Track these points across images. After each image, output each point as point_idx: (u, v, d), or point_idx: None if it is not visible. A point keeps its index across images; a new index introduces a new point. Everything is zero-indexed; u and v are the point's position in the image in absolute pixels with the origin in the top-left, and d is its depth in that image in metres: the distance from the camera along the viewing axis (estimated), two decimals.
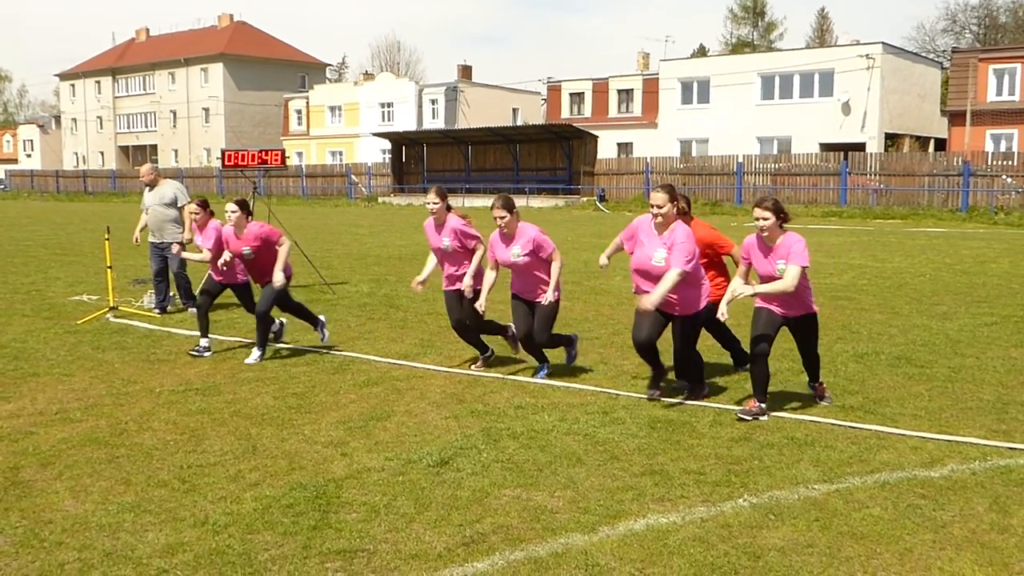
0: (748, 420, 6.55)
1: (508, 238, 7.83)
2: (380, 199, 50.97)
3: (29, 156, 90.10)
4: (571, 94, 58.13)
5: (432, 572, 4.21)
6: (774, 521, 4.77)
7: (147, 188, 11.77)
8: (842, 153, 38.98)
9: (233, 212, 8.95)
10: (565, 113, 57.77)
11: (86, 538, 4.60)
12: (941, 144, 46.93)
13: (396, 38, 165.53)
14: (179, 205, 11.55)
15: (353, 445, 6.10)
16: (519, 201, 44.97)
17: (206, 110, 76.90)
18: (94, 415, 6.90)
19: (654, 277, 6.85)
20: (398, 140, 53.40)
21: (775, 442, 6.08)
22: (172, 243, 11.17)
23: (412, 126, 61.87)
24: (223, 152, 15.11)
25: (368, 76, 72.73)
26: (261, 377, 8.11)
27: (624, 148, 54.09)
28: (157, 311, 11.63)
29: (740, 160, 41.41)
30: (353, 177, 55.24)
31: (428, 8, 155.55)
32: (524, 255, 7.70)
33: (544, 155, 48.64)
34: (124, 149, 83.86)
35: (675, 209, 6.92)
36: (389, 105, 65.61)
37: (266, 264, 8.99)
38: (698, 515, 4.86)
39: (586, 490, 5.24)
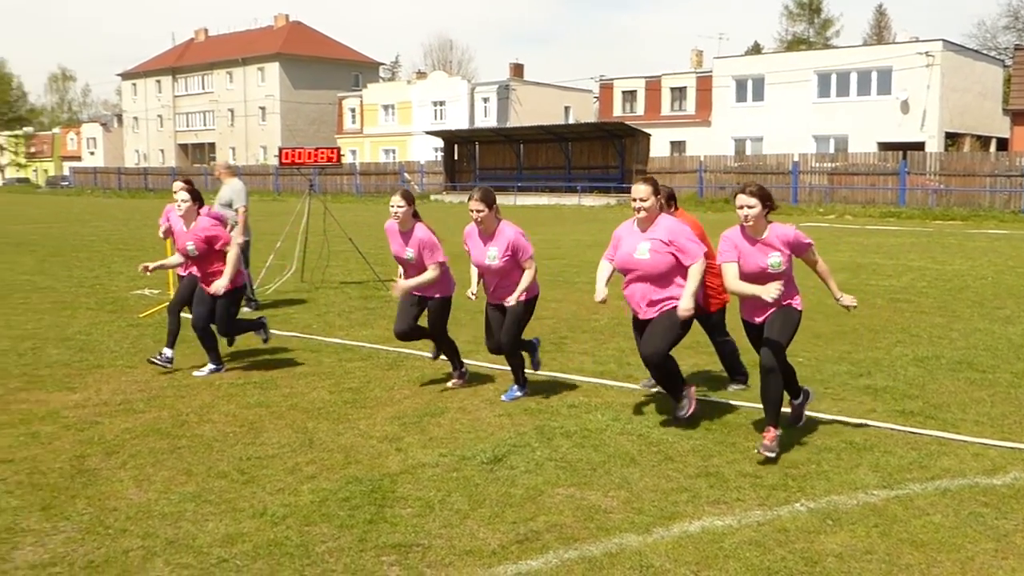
0: (773, 457, 5.69)
1: (486, 236, 7.12)
2: (432, 197, 51.19)
3: (92, 154, 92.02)
4: (623, 92, 57.85)
5: (486, 569, 4.22)
6: (832, 526, 4.70)
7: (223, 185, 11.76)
8: (901, 152, 38.29)
9: (184, 201, 7.89)
10: (617, 111, 57.51)
11: (149, 526, 4.69)
12: (1003, 144, 45.82)
13: (448, 37, 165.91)
14: (234, 207, 11.44)
15: (408, 440, 6.14)
16: (571, 199, 45.14)
17: (263, 109, 77.85)
18: (156, 406, 7.03)
19: (640, 274, 6.37)
20: (450, 138, 53.58)
21: (833, 446, 5.99)
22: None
23: (464, 124, 62.04)
24: (280, 150, 15.29)
25: (420, 75, 73.10)
26: (317, 372, 8.20)
27: (677, 147, 53.70)
28: (251, 307, 11.61)
29: (796, 159, 40.87)
30: (406, 175, 55.58)
31: (480, 7, 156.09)
32: (500, 258, 7.00)
33: (596, 153, 48.44)
34: (183, 147, 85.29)
35: (658, 203, 6.44)
36: (441, 103, 65.90)
37: (214, 266, 8.03)
38: (754, 519, 4.81)
39: (640, 491, 5.21)
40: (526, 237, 7.14)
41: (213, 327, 8.12)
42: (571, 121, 62.65)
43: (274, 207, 40.28)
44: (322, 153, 15.18)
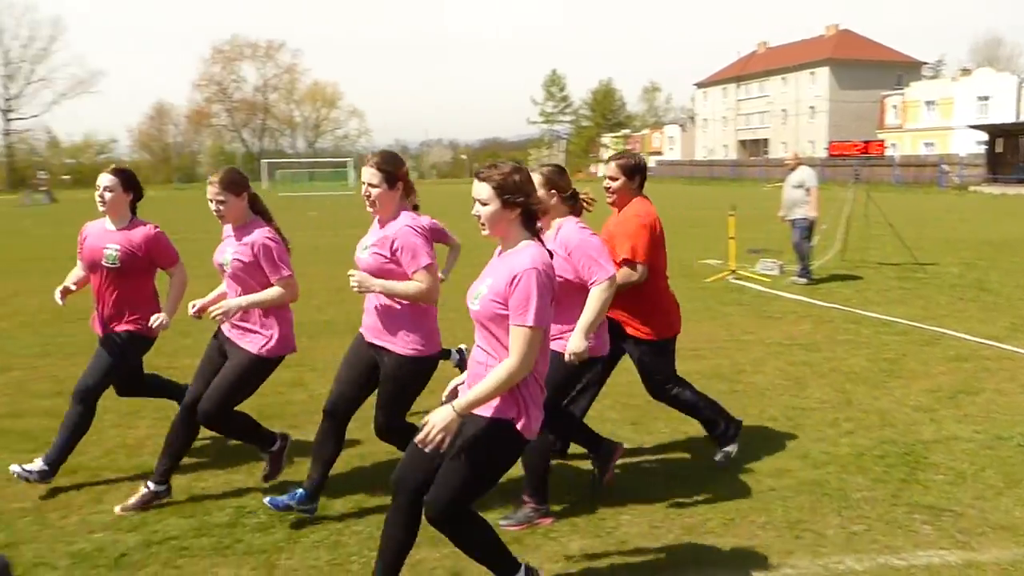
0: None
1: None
2: (971, 188, 45.11)
3: (671, 150, 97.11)
4: None
5: (1020, 547, 3.71)
6: None
7: (790, 172, 11.75)
8: None
9: (108, 190, 4.36)
10: None
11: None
12: None
13: (997, 35, 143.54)
14: (806, 187, 11.16)
15: (942, 413, 5.60)
16: None
17: (811, 108, 75.18)
18: (718, 355, 7.30)
19: None
20: (995, 132, 46.54)
21: None
22: (798, 219, 11.17)
23: (1011, 118, 53.43)
24: (830, 143, 14.73)
25: (965, 72, 64.41)
26: (856, 341, 7.82)
27: None
28: (803, 280, 11.33)
29: None
30: (944, 167, 49.70)
31: None
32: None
33: None
34: (742, 143, 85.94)
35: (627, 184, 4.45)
36: (986, 99, 57.47)
37: (137, 291, 4.48)
38: None
39: None
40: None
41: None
42: None
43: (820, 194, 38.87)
44: (869, 146, 14.32)
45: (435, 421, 2.72)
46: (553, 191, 3.87)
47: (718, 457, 4.70)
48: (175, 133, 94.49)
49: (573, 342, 3.71)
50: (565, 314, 3.74)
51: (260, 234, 4.06)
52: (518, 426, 2.85)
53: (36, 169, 55.17)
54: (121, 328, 4.44)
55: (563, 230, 3.88)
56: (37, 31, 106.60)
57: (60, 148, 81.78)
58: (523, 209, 2.87)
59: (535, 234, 2.92)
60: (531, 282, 2.74)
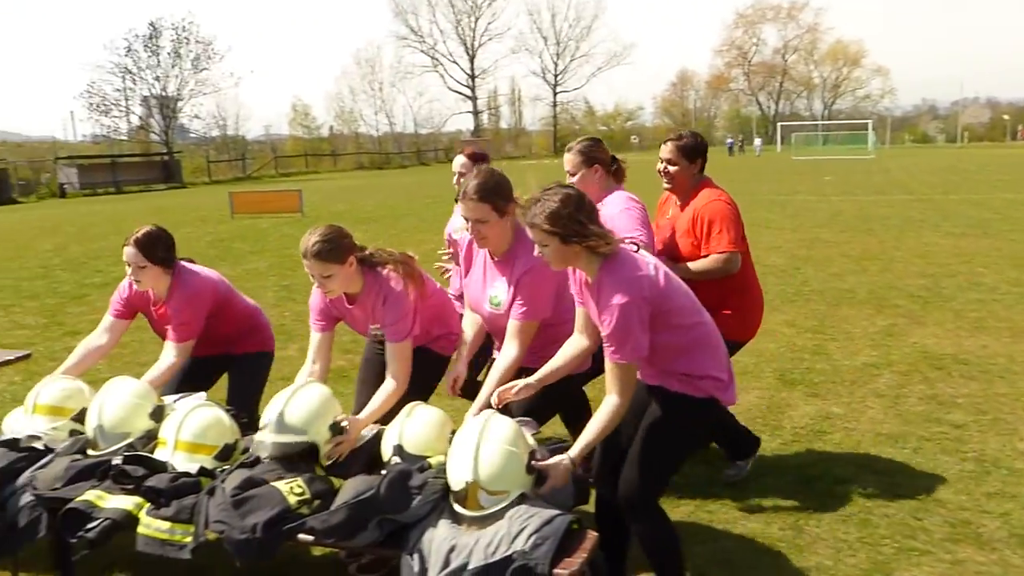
0: None
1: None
2: None
3: None
4: None
5: None
6: None
7: None
8: None
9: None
10: None
11: None
12: None
13: None
14: None
15: None
16: None
17: None
18: None
19: None
20: None
21: None
22: None
23: None
24: None
25: None
26: None
27: None
28: None
29: None
30: None
31: None
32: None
33: None
34: None
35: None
36: None
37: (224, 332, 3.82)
38: None
39: None
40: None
41: None
42: None
43: None
44: None
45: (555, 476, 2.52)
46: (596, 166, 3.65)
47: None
48: (695, 99, 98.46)
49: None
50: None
51: None
52: (721, 398, 2.70)
53: (575, 136, 62.56)
54: None
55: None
56: (583, 11, 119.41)
57: (595, 116, 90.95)
58: None
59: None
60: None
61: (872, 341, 6.56)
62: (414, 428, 2.79)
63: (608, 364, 2.54)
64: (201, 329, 3.59)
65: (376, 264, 3.17)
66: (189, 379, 3.67)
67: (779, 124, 68.01)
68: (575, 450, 2.56)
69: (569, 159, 3.70)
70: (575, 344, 2.86)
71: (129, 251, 3.47)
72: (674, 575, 2.80)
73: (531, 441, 2.61)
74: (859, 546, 3.40)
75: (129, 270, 3.50)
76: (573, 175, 3.67)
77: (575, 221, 2.45)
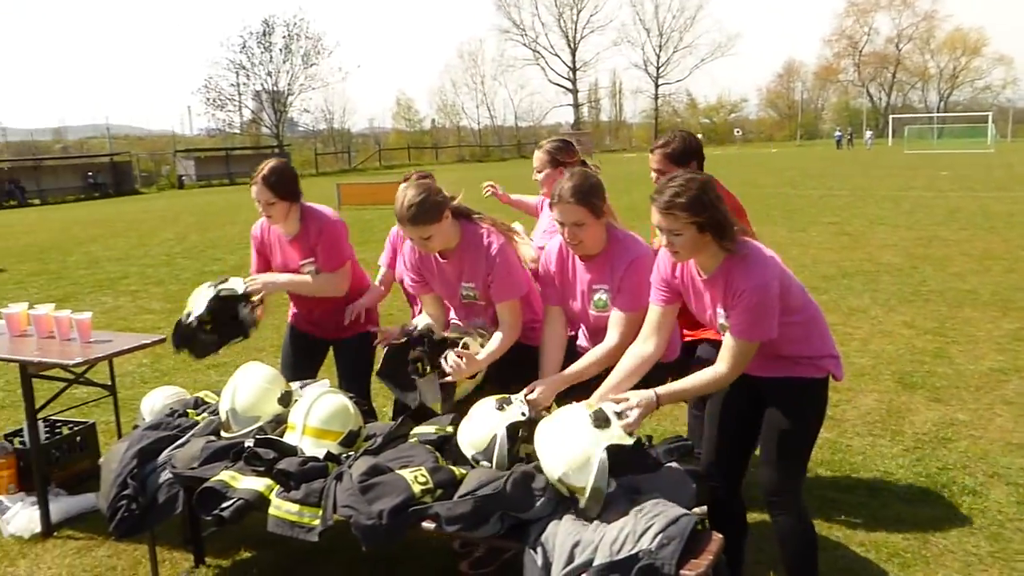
0: None
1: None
2: None
3: None
4: None
5: None
6: None
7: None
8: None
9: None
10: None
11: None
12: None
13: None
14: None
15: None
16: None
17: None
18: None
19: None
20: None
21: None
22: None
23: None
24: None
25: None
26: None
27: None
28: None
29: None
30: None
31: None
32: None
33: None
34: None
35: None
36: None
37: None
38: None
39: None
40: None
41: None
42: None
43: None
44: None
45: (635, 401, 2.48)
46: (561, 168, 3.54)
47: None
48: (802, 90, 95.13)
49: None
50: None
51: None
52: (836, 374, 2.64)
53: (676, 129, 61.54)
54: None
55: None
56: (687, 2, 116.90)
57: (696, 109, 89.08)
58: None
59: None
60: None
61: (998, 345, 6.21)
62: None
63: (729, 340, 2.48)
64: (351, 254, 3.68)
65: (471, 214, 3.18)
66: (299, 360, 3.84)
67: (891, 116, 64.99)
68: (663, 390, 2.53)
69: (538, 157, 3.72)
70: (637, 353, 2.71)
71: (256, 188, 3.55)
72: (808, 574, 2.74)
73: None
74: (991, 560, 3.24)
75: (260, 208, 3.56)
76: (539, 172, 3.69)
77: (717, 210, 2.41)
